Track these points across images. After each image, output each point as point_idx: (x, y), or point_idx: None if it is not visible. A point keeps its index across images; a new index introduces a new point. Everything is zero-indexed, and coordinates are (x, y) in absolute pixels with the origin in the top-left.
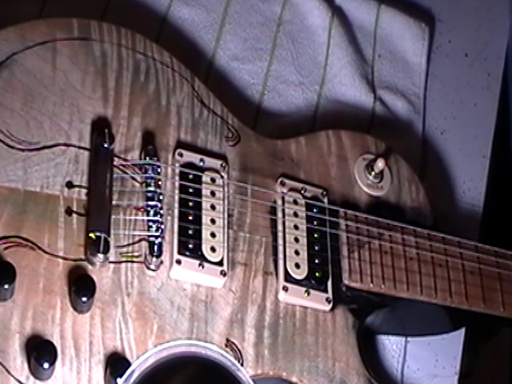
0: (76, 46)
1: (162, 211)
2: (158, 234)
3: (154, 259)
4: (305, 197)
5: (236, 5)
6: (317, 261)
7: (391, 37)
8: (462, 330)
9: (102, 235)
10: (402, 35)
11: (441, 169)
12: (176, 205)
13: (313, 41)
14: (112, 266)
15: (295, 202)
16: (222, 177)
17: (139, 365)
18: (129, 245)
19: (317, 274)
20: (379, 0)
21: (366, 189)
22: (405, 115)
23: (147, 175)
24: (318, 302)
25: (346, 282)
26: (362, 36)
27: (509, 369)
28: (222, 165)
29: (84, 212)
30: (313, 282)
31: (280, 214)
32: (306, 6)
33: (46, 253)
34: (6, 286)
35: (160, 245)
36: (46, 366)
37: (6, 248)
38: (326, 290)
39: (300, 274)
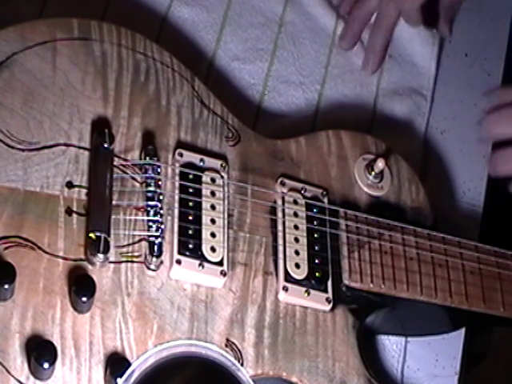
0: (76, 46)
1: (162, 211)
2: (158, 234)
3: (154, 259)
4: (305, 197)
5: (237, 5)
6: (317, 261)
7: (401, 40)
8: (462, 330)
9: (102, 235)
10: (412, 39)
11: (441, 169)
12: (176, 205)
13: (315, 41)
14: (112, 265)
15: (295, 202)
16: (222, 177)
17: (139, 365)
18: (129, 245)
19: (317, 273)
20: None
21: (366, 189)
22: (406, 116)
23: (147, 175)
24: (318, 301)
25: (346, 281)
26: None
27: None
28: (222, 165)
29: (84, 212)
30: (313, 281)
31: (280, 214)
32: (309, 6)
33: (46, 253)
34: (6, 286)
35: (160, 245)
36: (46, 365)
37: (6, 248)
38: (326, 290)
39: (300, 274)
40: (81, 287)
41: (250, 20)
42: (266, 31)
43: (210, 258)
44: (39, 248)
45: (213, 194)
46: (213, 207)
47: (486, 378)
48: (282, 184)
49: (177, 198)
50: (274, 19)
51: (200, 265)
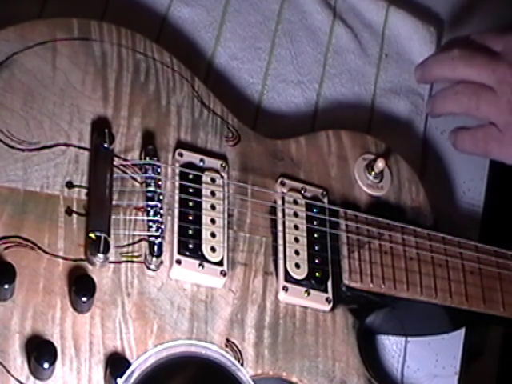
0: (76, 46)
1: (162, 211)
2: (158, 234)
3: (154, 259)
4: (305, 197)
5: (235, 3)
6: (317, 261)
7: (399, 38)
8: (462, 330)
9: (102, 235)
10: (410, 37)
11: (440, 168)
12: (176, 205)
13: (312, 39)
14: (112, 266)
15: (295, 202)
16: (222, 177)
17: (139, 365)
18: (129, 245)
19: (317, 273)
20: (388, 2)
21: (366, 189)
22: (405, 115)
23: (147, 175)
24: (318, 301)
25: (346, 281)
26: (368, 35)
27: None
28: (222, 165)
29: (84, 212)
30: (313, 281)
31: (280, 214)
32: (306, 4)
33: (46, 253)
34: (6, 286)
35: (160, 245)
36: (46, 365)
37: (6, 248)
38: (326, 290)
39: (300, 274)
40: (81, 287)
41: (248, 18)
42: (263, 29)
43: (209, 257)
44: (39, 248)
45: (213, 194)
46: (213, 207)
47: (484, 377)
48: (282, 184)
49: (177, 197)
50: (271, 17)
51: (200, 265)
